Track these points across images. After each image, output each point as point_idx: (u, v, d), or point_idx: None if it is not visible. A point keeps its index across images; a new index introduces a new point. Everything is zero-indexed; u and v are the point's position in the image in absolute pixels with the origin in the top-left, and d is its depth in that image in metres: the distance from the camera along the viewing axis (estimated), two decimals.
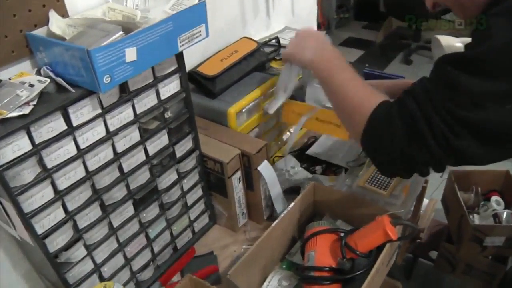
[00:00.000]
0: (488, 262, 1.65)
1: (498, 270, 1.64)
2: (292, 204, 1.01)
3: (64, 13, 0.79)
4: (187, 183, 1.01)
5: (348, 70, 0.85)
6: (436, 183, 1.84)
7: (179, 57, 0.88)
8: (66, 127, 0.70)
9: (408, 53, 4.09)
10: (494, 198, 1.69)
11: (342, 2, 4.98)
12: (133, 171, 0.86)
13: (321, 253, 0.91)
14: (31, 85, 0.68)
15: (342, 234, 0.92)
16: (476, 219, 1.66)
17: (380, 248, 0.90)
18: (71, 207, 0.77)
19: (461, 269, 1.72)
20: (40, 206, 0.71)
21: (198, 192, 1.06)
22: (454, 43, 1.31)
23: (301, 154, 1.33)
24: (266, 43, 1.31)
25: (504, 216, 1.58)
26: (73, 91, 0.70)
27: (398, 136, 0.68)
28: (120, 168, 0.83)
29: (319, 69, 0.89)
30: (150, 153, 0.89)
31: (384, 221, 0.85)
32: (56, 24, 0.75)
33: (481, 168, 1.89)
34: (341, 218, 1.07)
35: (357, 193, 1.13)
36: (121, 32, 0.73)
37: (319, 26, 1.78)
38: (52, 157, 0.70)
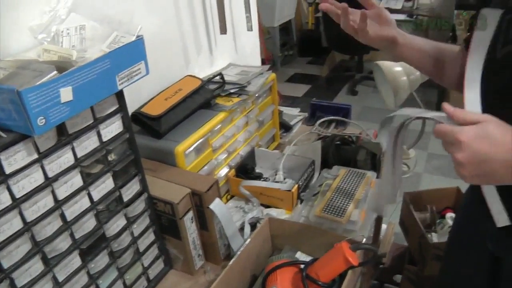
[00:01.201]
0: None
1: None
2: (248, 240, 0.98)
3: None
4: (137, 228, 0.96)
5: None
6: (391, 207, 1.87)
7: (120, 96, 0.85)
8: None
9: (353, 84, 4.27)
10: (449, 214, 1.74)
11: (285, 40, 5.16)
12: (78, 218, 0.80)
13: None
14: None
15: (302, 266, 0.90)
16: (434, 237, 1.69)
17: (342, 276, 0.88)
18: (7, 263, 0.70)
19: None
20: None
21: (150, 236, 1.01)
22: (394, 68, 1.37)
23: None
24: (210, 80, 1.30)
25: None
26: (5, 136, 0.65)
27: None
28: (63, 216, 0.77)
29: None
30: (95, 199, 0.83)
31: (343, 248, 0.84)
32: None
33: (433, 187, 1.96)
34: (301, 250, 1.05)
35: (314, 223, 1.11)
36: (55, 72, 0.69)
37: (263, 62, 1.80)
38: None
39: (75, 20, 0.88)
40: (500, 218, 0.74)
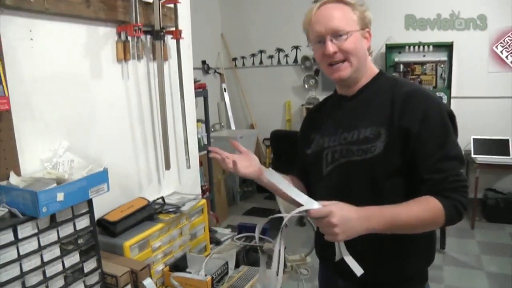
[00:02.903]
0: None
1: None
2: None
3: (19, 174, 1.30)
4: None
5: (398, 209, 1.19)
6: None
7: (90, 203, 1.38)
8: (13, 239, 1.15)
9: (301, 219, 4.80)
10: None
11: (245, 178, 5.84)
12: (53, 277, 1.27)
13: None
14: None
15: None
16: None
17: None
18: None
19: None
20: None
21: None
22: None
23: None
24: (154, 201, 1.85)
25: None
26: (21, 217, 1.17)
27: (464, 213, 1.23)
28: (44, 273, 1.24)
29: (380, 229, 1.18)
30: (66, 266, 1.31)
31: None
32: (13, 179, 1.25)
33: None
34: None
35: None
36: (54, 184, 1.24)
37: (203, 192, 2.37)
38: (1, 257, 1.12)
39: (68, 156, 1.45)
40: (357, 270, 1.22)
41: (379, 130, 1.30)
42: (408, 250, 1.35)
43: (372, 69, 1.43)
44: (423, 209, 1.21)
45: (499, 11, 4.88)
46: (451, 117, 1.30)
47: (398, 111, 1.29)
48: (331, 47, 1.31)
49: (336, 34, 1.31)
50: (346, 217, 1.13)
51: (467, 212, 4.86)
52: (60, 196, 1.22)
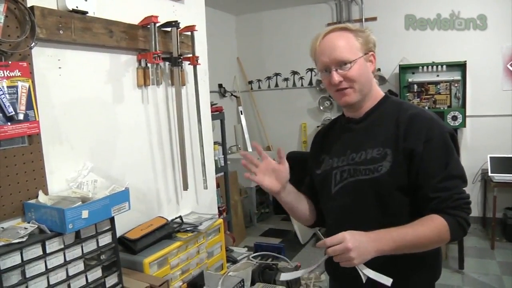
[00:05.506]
0: None
1: None
2: None
3: (46, 193, 1.38)
4: None
5: (405, 230, 1.24)
6: None
7: (112, 220, 1.45)
8: (42, 253, 1.23)
9: (316, 240, 4.81)
10: None
11: (262, 199, 5.88)
12: None
13: None
14: (26, 228, 1.23)
15: None
16: None
17: None
18: None
19: None
20: None
21: None
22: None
23: None
24: (173, 221, 1.92)
25: None
26: (49, 232, 1.25)
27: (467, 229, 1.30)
28: (69, 286, 1.31)
29: (389, 250, 1.22)
30: (89, 280, 1.38)
31: None
32: (42, 198, 1.34)
33: None
34: None
35: None
36: (80, 202, 1.32)
37: (220, 212, 2.44)
38: (31, 270, 1.20)
39: (92, 177, 1.54)
40: (386, 281, 1.24)
41: (385, 150, 1.36)
42: (414, 266, 1.39)
43: (378, 92, 1.49)
44: (429, 228, 1.26)
45: (499, 11, 4.91)
46: (453, 137, 1.37)
47: (403, 133, 1.35)
48: (336, 76, 1.37)
49: (340, 64, 1.37)
50: (359, 240, 1.18)
51: (486, 232, 4.85)
52: (85, 214, 1.30)
